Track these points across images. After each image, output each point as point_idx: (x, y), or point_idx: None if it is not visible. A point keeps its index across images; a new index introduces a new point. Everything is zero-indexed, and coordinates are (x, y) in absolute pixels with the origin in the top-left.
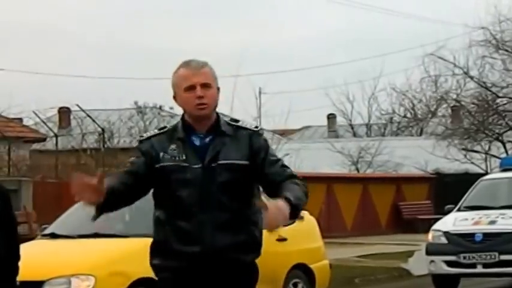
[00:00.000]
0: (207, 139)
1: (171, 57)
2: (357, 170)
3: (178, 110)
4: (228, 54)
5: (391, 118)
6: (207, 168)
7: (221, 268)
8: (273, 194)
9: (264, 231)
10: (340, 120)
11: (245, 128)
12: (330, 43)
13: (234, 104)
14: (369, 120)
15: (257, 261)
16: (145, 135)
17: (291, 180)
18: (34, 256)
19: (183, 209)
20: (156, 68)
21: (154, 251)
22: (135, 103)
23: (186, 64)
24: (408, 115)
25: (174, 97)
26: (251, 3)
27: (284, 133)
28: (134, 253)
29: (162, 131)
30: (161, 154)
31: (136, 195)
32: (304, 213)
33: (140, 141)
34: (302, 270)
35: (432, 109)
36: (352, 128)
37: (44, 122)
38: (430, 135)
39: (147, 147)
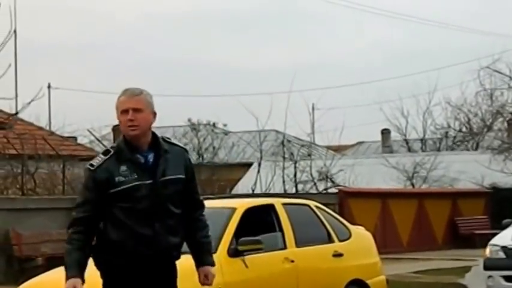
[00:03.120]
0: (150, 156)
1: (225, 74)
2: (412, 185)
3: (232, 127)
4: (281, 70)
5: (446, 133)
6: (157, 183)
7: (164, 265)
8: (190, 216)
9: None
10: (394, 135)
11: (178, 146)
12: (384, 57)
13: (287, 120)
14: (424, 135)
15: (313, 276)
16: (95, 163)
17: (204, 222)
18: (90, 273)
19: (142, 218)
20: (210, 85)
21: (106, 248)
22: (189, 120)
23: (124, 92)
24: (464, 129)
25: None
26: (305, 18)
27: (338, 149)
28: (190, 270)
29: (108, 155)
30: (116, 179)
31: (96, 230)
32: (360, 228)
33: (93, 170)
34: (359, 286)
35: (488, 123)
36: (407, 143)
37: (98, 140)
38: (486, 150)
39: (102, 175)
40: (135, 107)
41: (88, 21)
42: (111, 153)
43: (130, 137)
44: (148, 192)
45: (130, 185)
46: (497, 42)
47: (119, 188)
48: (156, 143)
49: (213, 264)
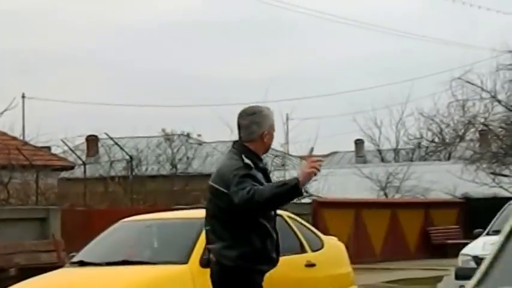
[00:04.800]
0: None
1: (199, 84)
2: (385, 195)
3: (206, 138)
4: (256, 80)
5: (419, 143)
6: None
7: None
8: None
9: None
10: (367, 145)
11: None
12: (357, 69)
13: None
14: (397, 145)
15: (285, 286)
16: (250, 162)
17: None
18: (62, 284)
19: (272, 223)
20: (184, 95)
21: (255, 257)
22: (163, 130)
23: (270, 110)
24: (436, 140)
25: (263, 133)
26: (279, 29)
27: None
28: (163, 280)
29: (251, 159)
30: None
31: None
32: (333, 239)
33: (251, 168)
34: None
35: (460, 133)
36: (380, 153)
37: (72, 150)
38: (458, 160)
39: (258, 175)
40: None
41: (66, 33)
42: (252, 158)
43: (267, 150)
44: None
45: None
46: (469, 54)
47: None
48: None
49: None
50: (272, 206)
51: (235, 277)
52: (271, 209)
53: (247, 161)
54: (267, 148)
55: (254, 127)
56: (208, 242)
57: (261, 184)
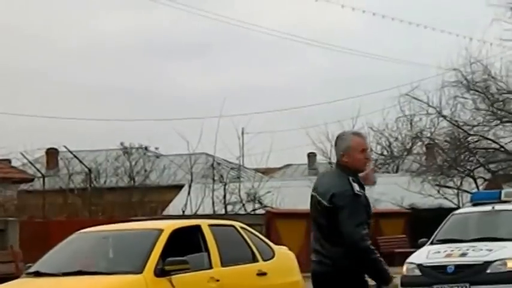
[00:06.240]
0: None
1: (156, 99)
2: None
3: (164, 150)
4: (211, 95)
5: None
6: None
7: None
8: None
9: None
10: (320, 158)
11: None
12: (310, 84)
13: (217, 144)
14: None
15: None
16: (357, 190)
17: None
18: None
19: None
20: (141, 110)
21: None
22: (121, 144)
23: (359, 134)
24: (385, 153)
25: (343, 155)
26: (235, 45)
27: (266, 171)
28: None
29: (357, 182)
30: (370, 202)
31: None
32: (283, 248)
33: (362, 196)
34: None
35: (407, 147)
36: (332, 166)
37: (31, 163)
38: (406, 172)
39: (365, 199)
40: (368, 147)
41: (27, 46)
42: (356, 181)
43: (361, 170)
44: None
45: (371, 205)
46: (416, 71)
47: (372, 209)
48: None
49: None
50: (366, 261)
51: (350, 277)
52: (362, 261)
53: (355, 186)
54: (359, 168)
55: (336, 149)
56: (321, 247)
57: (368, 204)
